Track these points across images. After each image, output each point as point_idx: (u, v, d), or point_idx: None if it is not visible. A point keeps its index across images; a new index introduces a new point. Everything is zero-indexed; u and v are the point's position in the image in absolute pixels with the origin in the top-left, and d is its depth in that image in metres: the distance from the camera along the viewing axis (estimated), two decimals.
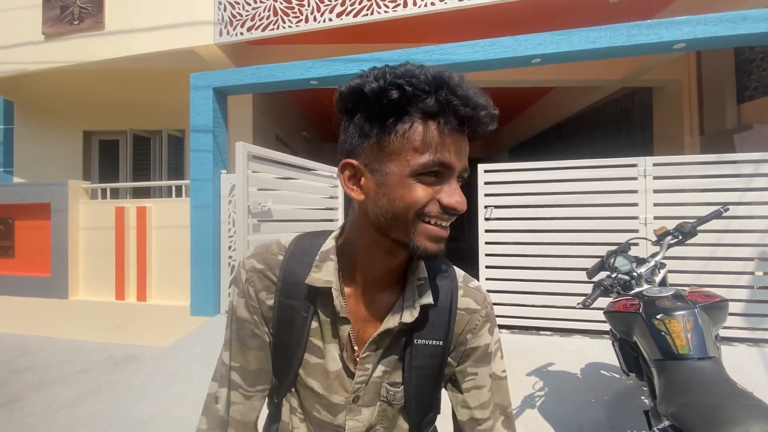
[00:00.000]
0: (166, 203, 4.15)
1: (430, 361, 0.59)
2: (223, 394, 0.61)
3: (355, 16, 3.56)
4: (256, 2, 3.77)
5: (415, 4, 3.43)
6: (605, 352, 2.55)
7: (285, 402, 0.62)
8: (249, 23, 3.80)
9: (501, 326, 3.19)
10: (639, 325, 1.48)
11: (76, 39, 4.28)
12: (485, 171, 3.23)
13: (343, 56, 3.47)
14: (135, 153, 5.36)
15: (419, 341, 0.58)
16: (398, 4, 3.47)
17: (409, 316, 0.56)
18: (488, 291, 3.18)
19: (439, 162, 0.48)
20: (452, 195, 0.50)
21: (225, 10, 3.86)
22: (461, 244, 10.86)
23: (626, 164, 3.03)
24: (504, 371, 0.63)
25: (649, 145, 5.46)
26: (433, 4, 3.39)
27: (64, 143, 5.45)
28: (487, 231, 3.21)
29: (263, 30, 3.78)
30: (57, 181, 4.39)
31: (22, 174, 5.53)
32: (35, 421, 2.59)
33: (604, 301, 1.78)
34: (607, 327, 1.99)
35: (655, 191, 2.98)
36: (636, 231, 2.98)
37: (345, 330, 0.58)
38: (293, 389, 0.62)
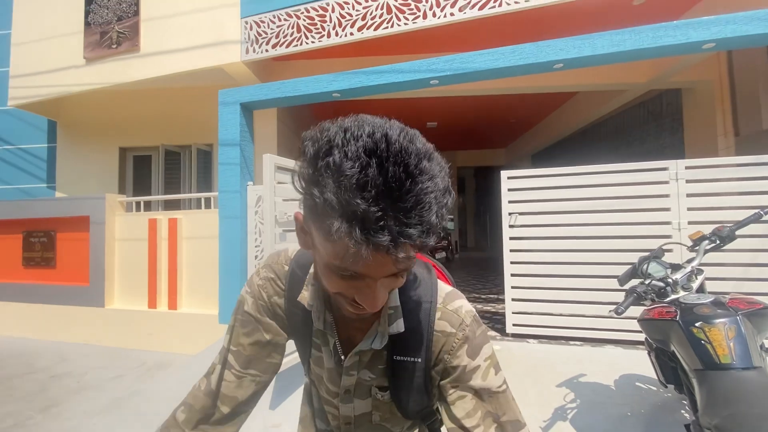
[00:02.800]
0: (196, 215, 4.30)
1: (412, 373, 0.62)
2: (217, 369, 0.68)
3: (375, 29, 3.64)
4: (280, 20, 3.92)
5: (434, 15, 3.48)
6: (639, 363, 2.45)
7: (307, 378, 0.77)
8: (274, 40, 3.95)
9: (528, 336, 3.12)
10: (676, 333, 1.43)
11: (114, 62, 4.55)
12: (509, 177, 3.20)
13: (365, 68, 3.55)
14: (166, 167, 5.59)
15: (398, 357, 0.62)
16: (417, 16, 3.53)
17: (379, 343, 0.61)
18: (514, 300, 3.14)
19: (343, 269, 0.45)
20: (365, 298, 0.49)
21: (251, 29, 4.03)
22: (484, 254, 10.73)
23: (656, 168, 2.94)
24: (499, 386, 0.59)
25: (680, 148, 5.27)
26: (452, 14, 3.43)
27: (102, 159, 5.75)
28: (512, 238, 3.16)
29: (287, 46, 3.92)
30: (95, 195, 4.63)
31: (63, 189, 5.86)
32: (73, 425, 2.70)
33: (637, 310, 1.73)
34: (640, 337, 1.92)
35: (689, 195, 2.87)
36: (669, 237, 2.88)
37: (332, 341, 0.66)
38: (308, 369, 0.73)
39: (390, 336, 0.61)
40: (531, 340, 3.07)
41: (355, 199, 0.38)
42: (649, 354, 1.90)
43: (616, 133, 6.90)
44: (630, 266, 1.93)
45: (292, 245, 0.82)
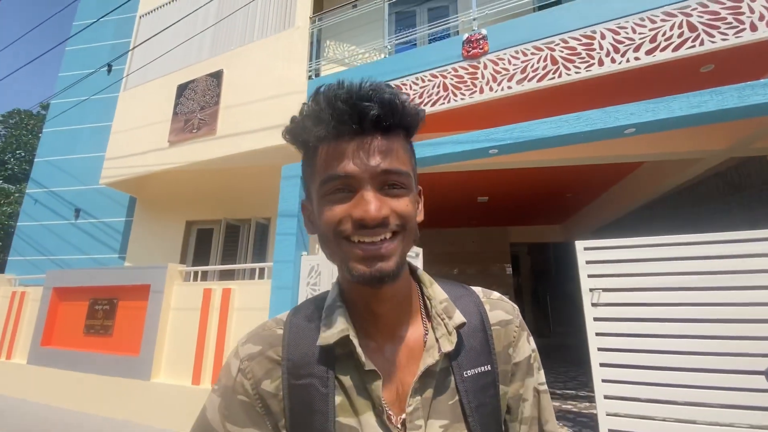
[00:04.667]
0: (249, 285, 4.27)
1: (487, 392, 0.51)
2: None
3: (432, 105, 3.76)
4: None
5: (491, 89, 3.55)
6: None
7: None
8: None
9: None
10: None
11: (193, 144, 5.05)
12: (585, 249, 2.86)
13: (420, 141, 3.59)
14: (226, 239, 5.82)
15: (468, 372, 0.50)
16: (474, 92, 3.62)
17: (448, 343, 0.49)
18: (607, 397, 2.58)
19: (330, 176, 0.46)
20: (358, 205, 0.45)
21: None
22: (547, 340, 9.63)
23: None
24: (543, 383, 0.57)
25: None
26: (509, 88, 3.47)
27: (169, 232, 6.15)
28: (596, 319, 2.71)
29: None
30: (158, 264, 4.81)
31: (132, 260, 6.24)
32: None
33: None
34: None
35: None
36: None
37: (377, 388, 0.48)
38: None
39: (449, 347, 0.50)
40: None
41: (320, 112, 0.46)
42: None
43: (691, 207, 6.31)
44: None
45: None
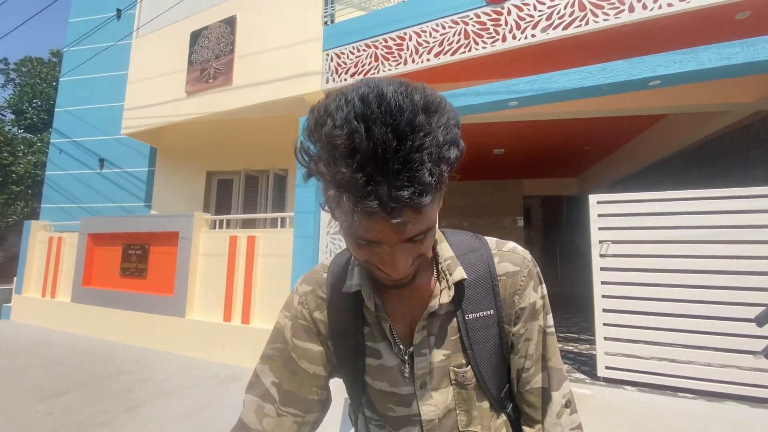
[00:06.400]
0: (272, 233, 4.50)
1: (487, 332, 0.60)
2: (254, 403, 0.60)
3: (452, 54, 3.68)
4: (359, 51, 4.13)
5: (514, 38, 3.44)
6: None
7: (360, 416, 0.67)
8: (352, 70, 4.15)
9: (624, 381, 2.74)
10: None
11: (210, 94, 5.07)
12: (598, 202, 2.94)
13: (441, 93, 3.57)
14: (246, 190, 6.01)
15: (470, 316, 0.60)
16: (496, 40, 3.52)
17: (446, 296, 0.58)
18: (606, 339, 2.80)
19: (360, 237, 0.46)
20: (385, 264, 0.48)
21: (332, 60, 4.28)
22: (554, 289, 9.98)
23: None
24: (551, 326, 0.64)
25: None
26: (533, 36, 3.36)
27: (191, 182, 6.35)
28: (603, 269, 2.86)
29: (365, 74, 4.09)
30: (185, 213, 5.06)
31: (157, 208, 6.53)
32: (156, 428, 2.82)
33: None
34: None
35: None
36: None
37: (387, 328, 0.60)
38: (364, 399, 0.65)
39: (456, 293, 0.59)
40: (629, 387, 2.69)
41: (341, 167, 0.40)
42: None
43: (711, 161, 6.18)
44: None
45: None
